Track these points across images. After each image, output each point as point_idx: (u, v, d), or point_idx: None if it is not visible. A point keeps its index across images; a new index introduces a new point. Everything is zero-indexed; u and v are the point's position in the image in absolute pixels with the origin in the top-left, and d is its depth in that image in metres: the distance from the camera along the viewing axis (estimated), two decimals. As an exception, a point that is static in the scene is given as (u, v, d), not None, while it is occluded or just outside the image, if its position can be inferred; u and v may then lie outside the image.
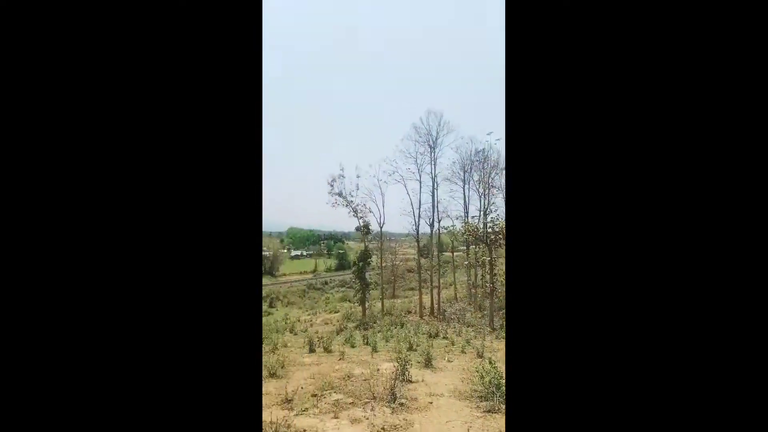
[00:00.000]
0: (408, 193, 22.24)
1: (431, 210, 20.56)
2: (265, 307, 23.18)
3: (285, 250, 56.53)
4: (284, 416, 4.80)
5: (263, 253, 46.43)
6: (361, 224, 19.40)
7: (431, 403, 5.35)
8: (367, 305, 17.49)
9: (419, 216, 20.40)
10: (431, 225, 20.68)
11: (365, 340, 10.74)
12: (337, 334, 12.56)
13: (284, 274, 44.81)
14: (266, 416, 4.82)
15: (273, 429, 4.42)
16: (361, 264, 17.76)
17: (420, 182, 20.40)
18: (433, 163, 20.28)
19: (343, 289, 30.24)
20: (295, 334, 12.92)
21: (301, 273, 45.84)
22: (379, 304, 19.54)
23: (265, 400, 5.68)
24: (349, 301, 22.53)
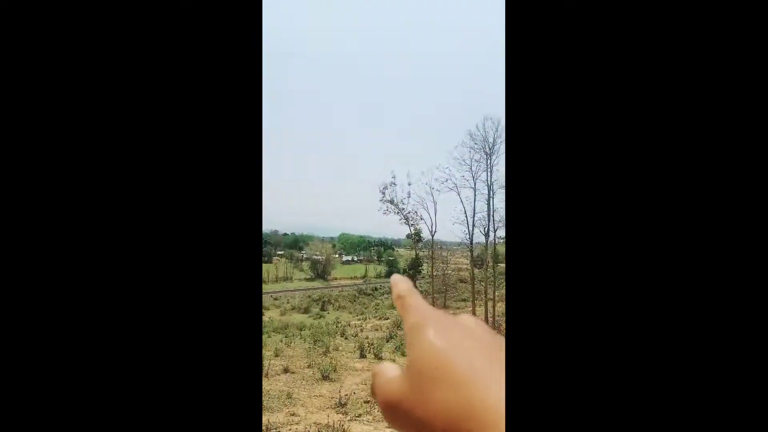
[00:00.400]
0: (462, 201, 21.44)
1: (486, 219, 19.86)
2: (317, 309, 23.86)
3: (337, 255, 58.19)
4: (339, 420, 4.81)
5: (316, 257, 48.17)
6: (412, 232, 19.30)
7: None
8: (417, 314, 17.18)
9: (473, 225, 19.82)
10: (486, 234, 19.97)
11: (416, 350, 10.53)
12: (387, 341, 12.49)
13: (335, 278, 46.02)
14: (323, 419, 4.86)
15: (329, 432, 4.43)
16: (411, 272, 17.60)
17: (475, 190, 19.85)
18: (489, 170, 19.63)
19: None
20: (346, 339, 13.07)
21: (351, 278, 46.77)
22: (430, 314, 19.09)
23: (319, 402, 5.74)
24: (399, 308, 22.31)
